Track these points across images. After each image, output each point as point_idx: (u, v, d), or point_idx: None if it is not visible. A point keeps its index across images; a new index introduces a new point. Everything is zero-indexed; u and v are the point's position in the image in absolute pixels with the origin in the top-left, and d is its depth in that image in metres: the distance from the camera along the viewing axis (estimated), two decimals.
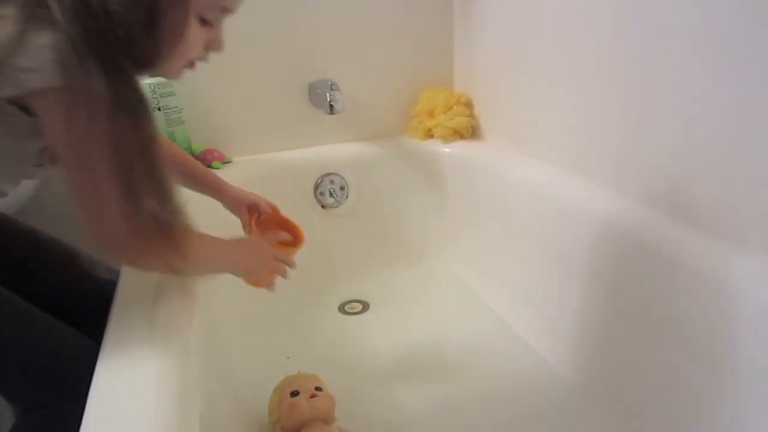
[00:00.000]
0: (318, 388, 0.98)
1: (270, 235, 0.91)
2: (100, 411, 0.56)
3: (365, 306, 1.43)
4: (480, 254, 1.46)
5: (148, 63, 0.63)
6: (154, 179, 0.64)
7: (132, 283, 0.80)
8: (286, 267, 0.86)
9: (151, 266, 0.71)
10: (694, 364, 0.86)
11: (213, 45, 0.69)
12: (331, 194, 1.51)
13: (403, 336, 1.30)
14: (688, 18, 0.85)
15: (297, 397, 0.96)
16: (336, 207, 1.52)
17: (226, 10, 0.67)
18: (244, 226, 0.95)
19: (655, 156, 0.96)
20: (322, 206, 1.51)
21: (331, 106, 1.36)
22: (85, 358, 0.65)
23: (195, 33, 0.64)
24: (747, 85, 0.78)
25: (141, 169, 0.62)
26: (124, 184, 0.61)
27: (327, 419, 0.96)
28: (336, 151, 1.53)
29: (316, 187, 1.50)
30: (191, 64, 0.69)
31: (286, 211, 1.04)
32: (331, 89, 1.38)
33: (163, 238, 0.66)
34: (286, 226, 0.96)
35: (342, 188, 1.51)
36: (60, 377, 0.72)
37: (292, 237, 0.95)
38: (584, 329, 1.10)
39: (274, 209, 0.98)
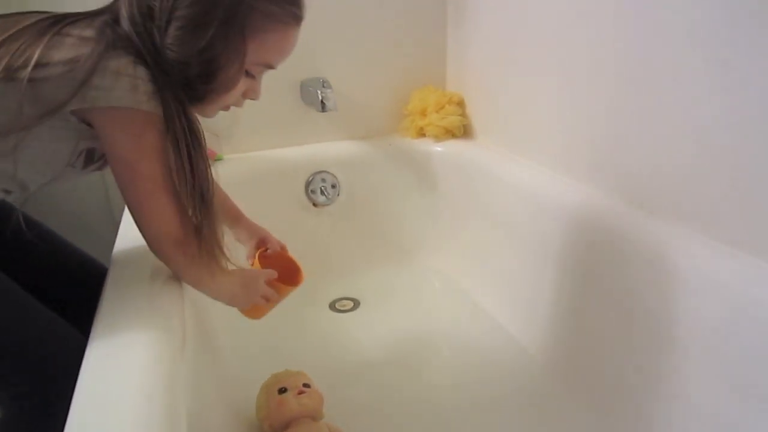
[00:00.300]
0: (306, 385, 0.98)
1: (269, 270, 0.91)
2: (87, 402, 0.57)
3: (356, 304, 1.44)
4: (471, 253, 1.47)
5: (195, 103, 0.72)
6: (202, 202, 0.71)
7: (122, 275, 0.81)
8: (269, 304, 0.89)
9: (181, 269, 0.77)
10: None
11: (250, 94, 0.78)
12: (322, 192, 1.51)
13: (393, 334, 1.31)
14: (681, 19, 0.86)
15: (285, 394, 0.96)
16: (327, 205, 1.52)
17: (270, 67, 0.76)
18: (248, 257, 0.96)
19: (645, 156, 0.97)
20: (314, 204, 1.51)
21: (322, 103, 1.36)
22: (74, 350, 0.66)
23: (240, 84, 0.73)
24: (735, 90, 0.79)
25: (189, 188, 0.70)
26: (171, 195, 0.70)
27: (315, 416, 0.97)
28: (328, 149, 1.53)
29: (308, 185, 1.50)
30: (227, 108, 0.78)
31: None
32: (323, 87, 1.39)
33: (200, 249, 0.73)
34: (289, 265, 0.96)
35: (333, 186, 1.52)
36: (48, 367, 0.73)
37: (292, 276, 0.95)
38: (573, 325, 1.11)
39: (283, 248, 0.99)
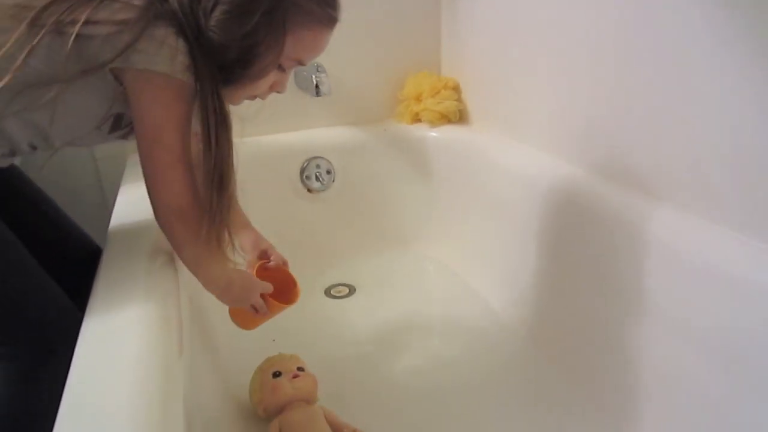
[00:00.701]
0: (300, 369, 0.98)
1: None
2: (83, 384, 0.57)
3: (351, 290, 1.44)
4: (466, 238, 1.47)
5: (227, 85, 0.73)
6: (220, 182, 0.72)
7: (117, 256, 0.82)
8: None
9: (182, 244, 0.75)
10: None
11: (277, 86, 0.80)
12: (317, 178, 1.50)
13: (388, 319, 1.31)
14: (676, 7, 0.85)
15: (279, 378, 0.96)
16: (322, 191, 1.52)
17: (301, 63, 0.78)
18: (247, 267, 0.95)
19: (641, 140, 0.96)
20: (309, 190, 1.51)
21: (317, 88, 1.35)
22: (72, 322, 0.67)
23: (271, 75, 0.76)
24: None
25: (211, 167, 0.71)
26: (186, 169, 0.71)
27: (309, 400, 0.97)
28: (322, 134, 1.53)
29: (303, 170, 1.49)
30: (253, 98, 0.80)
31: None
32: (318, 71, 1.37)
33: (210, 230, 0.73)
34: (287, 281, 0.95)
35: (328, 172, 1.51)
36: (46, 334, 0.74)
37: (287, 292, 0.94)
38: (571, 311, 1.11)
39: (284, 263, 0.98)
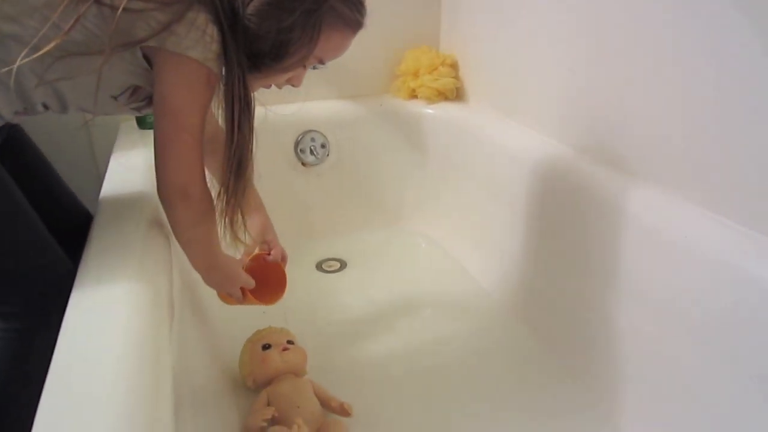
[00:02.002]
0: (290, 342, 0.99)
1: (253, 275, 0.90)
2: (71, 352, 0.57)
3: (343, 264, 1.44)
4: (459, 215, 1.47)
5: (252, 72, 0.73)
6: (238, 166, 0.74)
7: (108, 222, 0.82)
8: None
9: (178, 222, 0.76)
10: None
11: (294, 80, 0.83)
12: (311, 152, 1.49)
13: (378, 294, 1.31)
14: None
15: (269, 350, 0.97)
16: (317, 165, 1.51)
17: (322, 62, 0.80)
18: (245, 252, 0.95)
19: (641, 124, 0.96)
20: (303, 164, 1.50)
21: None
22: (67, 281, 0.68)
23: (293, 70, 0.79)
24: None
25: (230, 151, 0.73)
26: (198, 152, 0.72)
27: (298, 372, 0.98)
28: (318, 108, 1.51)
29: (297, 144, 1.48)
30: (269, 86, 0.81)
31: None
32: None
33: (209, 208, 0.75)
34: (276, 279, 0.95)
35: (323, 146, 1.50)
36: (44, 293, 0.74)
37: (272, 287, 0.94)
38: (560, 289, 1.12)
39: (283, 258, 0.98)
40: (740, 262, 0.77)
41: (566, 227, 1.08)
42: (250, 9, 0.69)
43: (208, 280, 0.85)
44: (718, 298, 0.78)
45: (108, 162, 1.07)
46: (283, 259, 0.99)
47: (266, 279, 0.92)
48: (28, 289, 0.75)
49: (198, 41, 0.67)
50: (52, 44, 0.63)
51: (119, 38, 0.66)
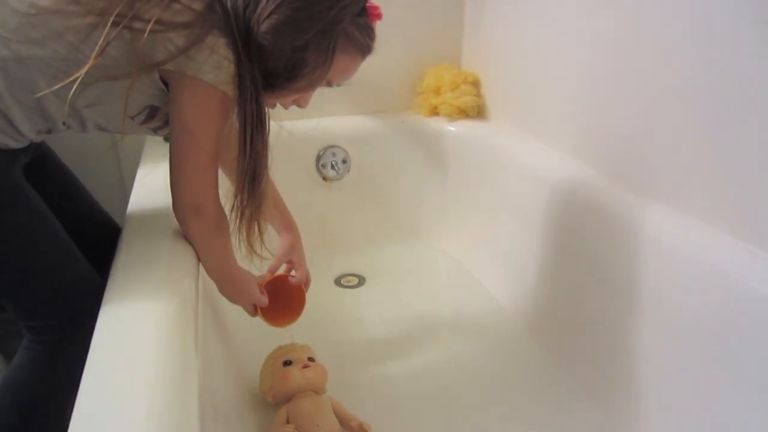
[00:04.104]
0: (311, 359, 0.99)
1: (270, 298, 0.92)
2: (101, 363, 0.57)
3: (361, 280, 1.44)
4: (478, 234, 1.46)
5: (268, 91, 0.74)
6: (252, 183, 0.74)
7: (136, 236, 0.82)
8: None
9: (194, 239, 0.80)
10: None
11: (301, 101, 0.84)
12: (332, 167, 1.50)
13: (397, 312, 1.31)
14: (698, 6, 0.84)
15: (289, 367, 0.96)
16: (337, 180, 1.52)
17: (329, 85, 0.81)
18: (269, 269, 0.97)
19: (663, 148, 0.95)
20: (324, 178, 1.51)
21: None
22: (95, 294, 0.69)
23: (305, 92, 0.80)
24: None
25: (243, 168, 0.73)
26: (212, 171, 0.75)
27: (318, 390, 0.97)
28: (340, 123, 1.52)
29: (318, 158, 1.49)
30: (273, 106, 0.82)
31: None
32: None
33: (222, 224, 0.77)
34: (294, 301, 0.96)
35: (344, 161, 1.51)
36: (77, 307, 0.75)
37: (285, 312, 0.95)
38: (579, 312, 1.11)
39: (306, 282, 0.99)
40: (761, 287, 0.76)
41: (585, 246, 1.07)
42: (265, 26, 0.70)
43: (222, 292, 0.87)
44: (742, 323, 0.77)
45: (135, 175, 1.08)
46: (306, 282, 0.99)
47: (284, 300, 0.93)
48: (58, 303, 0.76)
49: (214, 66, 0.68)
50: (83, 71, 0.64)
51: (141, 62, 0.67)
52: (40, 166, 0.84)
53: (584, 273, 1.08)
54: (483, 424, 0.99)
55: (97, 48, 0.64)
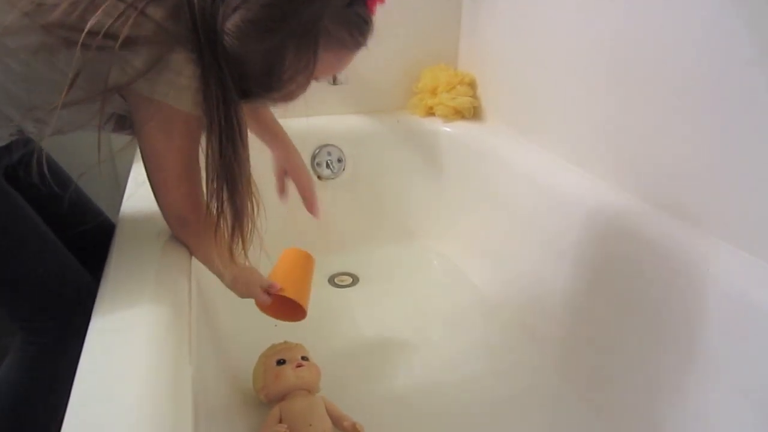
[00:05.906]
0: (304, 358, 0.99)
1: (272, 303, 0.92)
2: (92, 367, 0.57)
3: (355, 279, 1.44)
4: (472, 235, 1.47)
5: (249, 99, 0.70)
6: (233, 191, 0.70)
7: (129, 237, 0.82)
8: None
9: (188, 245, 0.80)
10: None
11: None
12: (328, 166, 1.50)
13: (390, 311, 1.31)
14: (706, 15, 0.85)
15: (283, 366, 0.96)
16: (332, 179, 1.51)
17: (316, 80, 0.74)
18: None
19: (655, 153, 0.96)
20: (319, 177, 1.50)
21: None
22: (90, 295, 0.68)
23: (295, 98, 0.74)
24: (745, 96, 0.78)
25: (215, 176, 0.69)
26: (187, 182, 0.72)
27: (312, 389, 0.97)
28: (335, 122, 1.52)
29: (314, 157, 1.49)
30: (292, 97, 0.77)
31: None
32: None
33: (210, 227, 0.73)
34: (298, 309, 0.96)
35: (339, 160, 1.51)
36: (67, 307, 0.75)
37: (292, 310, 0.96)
38: (573, 313, 1.11)
39: (307, 185, 1.01)
40: None
41: (579, 250, 1.07)
42: (229, 25, 0.63)
43: (235, 291, 0.88)
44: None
45: (129, 172, 1.07)
46: (309, 184, 1.02)
47: (288, 304, 0.93)
48: (50, 304, 0.75)
49: (176, 86, 0.63)
50: (55, 106, 0.62)
51: (98, 85, 0.63)
52: (30, 162, 0.83)
53: (579, 273, 1.08)
54: (479, 424, 1.00)
55: (75, 70, 0.61)
